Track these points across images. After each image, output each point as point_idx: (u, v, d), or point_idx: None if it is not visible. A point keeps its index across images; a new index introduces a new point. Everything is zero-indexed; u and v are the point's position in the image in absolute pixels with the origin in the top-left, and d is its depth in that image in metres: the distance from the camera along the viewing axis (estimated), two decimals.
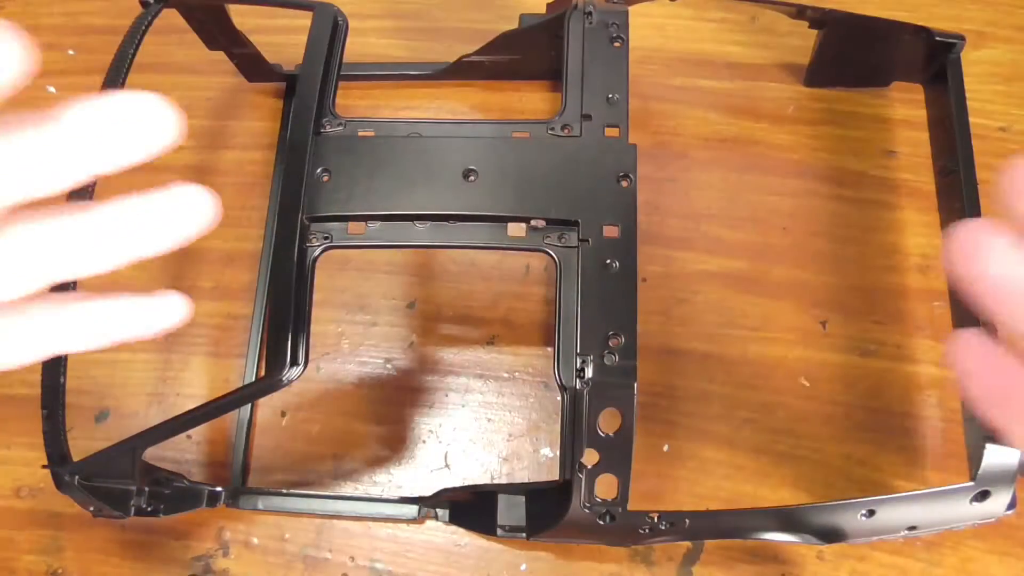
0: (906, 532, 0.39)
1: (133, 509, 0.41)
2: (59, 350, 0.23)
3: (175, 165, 0.55)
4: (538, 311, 0.50)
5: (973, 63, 0.53)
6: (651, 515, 0.38)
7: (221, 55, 0.52)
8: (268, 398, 0.49)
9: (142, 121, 0.23)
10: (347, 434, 0.48)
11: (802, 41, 0.52)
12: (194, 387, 0.49)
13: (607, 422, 0.36)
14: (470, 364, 0.49)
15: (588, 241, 0.38)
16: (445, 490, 0.44)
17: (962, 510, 0.38)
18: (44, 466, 0.39)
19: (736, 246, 0.51)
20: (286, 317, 0.38)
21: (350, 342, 0.50)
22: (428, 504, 0.45)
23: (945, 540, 0.44)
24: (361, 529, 0.46)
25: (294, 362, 0.37)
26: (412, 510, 0.45)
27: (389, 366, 0.49)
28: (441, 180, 0.39)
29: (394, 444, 0.48)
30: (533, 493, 0.43)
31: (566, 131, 0.41)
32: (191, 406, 0.48)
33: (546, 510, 0.40)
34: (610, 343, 0.37)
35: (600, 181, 0.39)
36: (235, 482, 0.46)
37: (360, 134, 0.41)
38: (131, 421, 0.48)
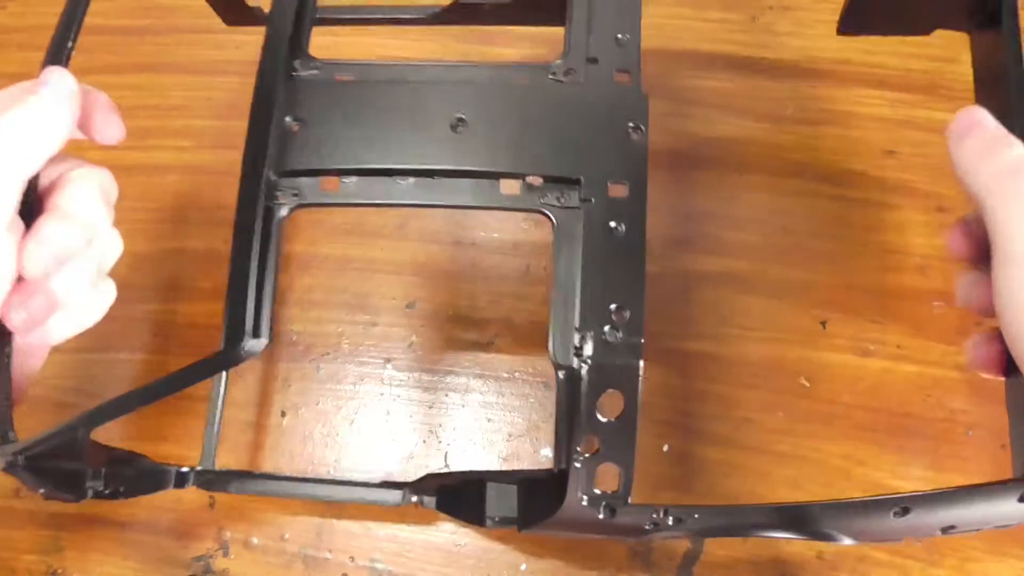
0: (940, 533, 0.35)
1: (90, 492, 0.37)
2: None
3: (175, 165, 0.55)
4: (538, 311, 0.50)
5: None
6: (657, 509, 0.34)
7: (222, 55, 0.52)
8: (268, 398, 0.49)
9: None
10: (347, 434, 0.48)
11: (802, 41, 0.52)
12: (194, 387, 0.49)
13: (608, 406, 0.33)
14: (470, 364, 0.49)
15: (591, 201, 0.34)
16: (431, 475, 0.41)
17: (1007, 508, 0.33)
18: None
19: (736, 246, 0.51)
20: (246, 283, 0.34)
21: (350, 342, 0.50)
22: (413, 490, 0.41)
23: (945, 540, 0.44)
24: (361, 529, 0.46)
25: (256, 333, 0.34)
26: (396, 495, 0.41)
27: (389, 366, 0.49)
28: (426, 130, 0.35)
29: (394, 444, 0.48)
30: (525, 483, 0.39)
31: (569, 76, 0.36)
32: (191, 406, 0.48)
33: (539, 501, 0.36)
34: (613, 317, 0.33)
35: (607, 133, 0.35)
36: (206, 463, 0.42)
37: (337, 78, 0.37)
38: (133, 422, 0.48)
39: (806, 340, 0.49)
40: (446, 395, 0.49)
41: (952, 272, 0.33)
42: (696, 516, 0.34)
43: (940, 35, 0.54)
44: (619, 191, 0.34)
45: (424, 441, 0.48)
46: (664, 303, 0.50)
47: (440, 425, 0.48)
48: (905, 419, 0.47)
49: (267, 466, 0.48)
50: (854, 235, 0.51)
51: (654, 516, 0.34)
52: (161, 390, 0.37)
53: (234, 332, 0.34)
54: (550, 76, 0.36)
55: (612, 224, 0.34)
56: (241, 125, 0.57)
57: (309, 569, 0.45)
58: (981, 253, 0.32)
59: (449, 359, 0.49)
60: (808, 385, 0.48)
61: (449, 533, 0.46)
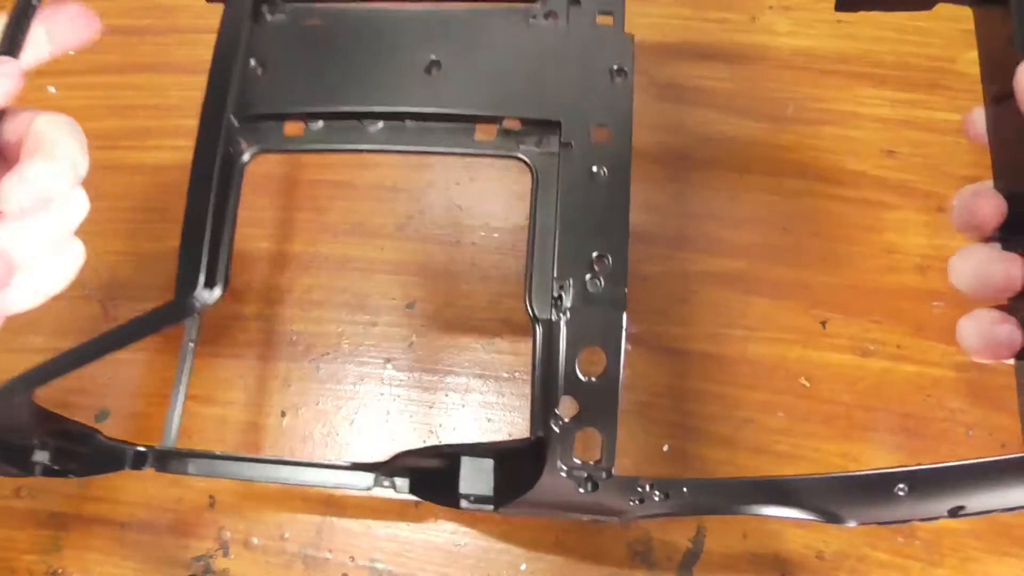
0: (948, 515, 0.32)
1: (38, 468, 0.35)
2: None
3: (175, 165, 0.55)
4: None
5: (973, 63, 0.53)
6: (642, 482, 0.31)
7: None
8: (268, 399, 0.49)
9: None
10: (347, 434, 0.48)
11: (802, 41, 0.52)
12: (194, 387, 0.49)
13: (588, 363, 0.30)
14: (470, 364, 0.49)
15: (571, 145, 0.33)
16: (404, 453, 0.38)
17: (1017, 486, 0.31)
18: None
19: (736, 246, 0.51)
20: (202, 228, 0.33)
21: (350, 342, 0.50)
22: (385, 472, 0.39)
23: (945, 540, 0.44)
24: (361, 529, 0.46)
25: (210, 283, 0.33)
26: (367, 479, 0.39)
27: (389, 366, 0.49)
28: (398, 73, 0.33)
29: (394, 444, 0.48)
30: (503, 455, 0.36)
31: (550, 18, 0.35)
32: (191, 406, 0.48)
33: (516, 476, 0.34)
34: (595, 266, 0.31)
35: (589, 76, 0.33)
36: (167, 441, 0.39)
37: (304, 20, 0.36)
38: (132, 421, 0.48)
39: (806, 340, 0.49)
40: (446, 395, 0.49)
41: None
42: (685, 490, 0.31)
43: (940, 35, 0.54)
44: (602, 135, 0.33)
45: (424, 441, 0.48)
46: (664, 303, 0.50)
47: (440, 425, 0.48)
48: (905, 419, 0.47)
49: None
50: (854, 235, 0.51)
51: (639, 489, 0.31)
52: (107, 345, 0.34)
53: (186, 281, 0.33)
54: (531, 18, 0.35)
55: (594, 169, 0.32)
56: None
57: (309, 569, 0.45)
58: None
59: (449, 359, 0.49)
60: (808, 385, 0.48)
61: (449, 533, 0.46)
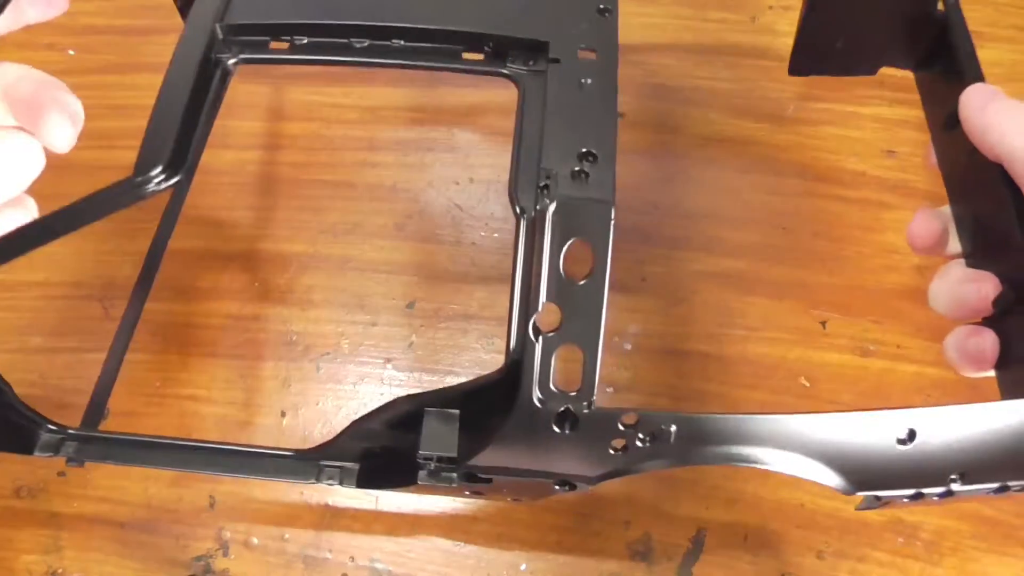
0: (957, 483, 0.28)
1: None
2: None
3: None
4: None
5: None
6: (625, 417, 0.28)
7: None
8: (268, 399, 0.49)
9: None
10: None
11: None
12: (194, 387, 0.49)
13: (575, 261, 0.28)
14: (470, 364, 0.49)
15: (559, 61, 0.32)
16: (351, 426, 0.33)
17: None
18: None
19: (736, 246, 0.51)
20: (174, 114, 0.31)
21: (350, 342, 0.50)
22: (332, 456, 0.35)
23: (945, 540, 0.44)
24: (361, 529, 0.46)
25: (171, 165, 0.31)
26: (308, 472, 0.35)
27: (389, 366, 0.49)
28: None
29: None
30: (471, 398, 0.31)
31: None
32: (192, 406, 0.48)
33: (485, 423, 0.30)
34: (583, 160, 0.30)
35: (576, 8, 0.34)
36: (86, 421, 0.36)
37: None
38: (131, 421, 0.48)
39: (806, 340, 0.49)
40: None
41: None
42: (673, 428, 0.28)
43: None
44: (589, 56, 0.32)
45: None
46: (664, 303, 0.50)
47: None
48: None
49: None
50: (854, 235, 0.51)
51: (621, 428, 0.28)
52: (58, 226, 0.33)
53: (147, 160, 0.31)
54: None
55: (582, 80, 0.32)
56: (241, 125, 0.57)
57: (309, 569, 0.45)
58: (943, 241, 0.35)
59: (449, 359, 0.49)
60: (808, 385, 0.48)
61: (449, 533, 0.46)
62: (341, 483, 0.34)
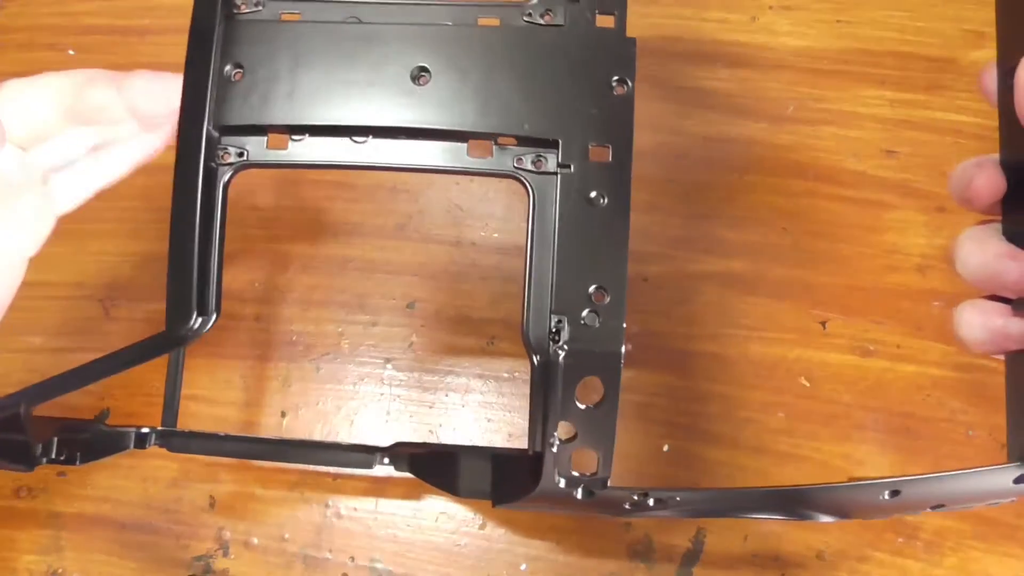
0: (930, 509, 0.33)
1: (43, 460, 0.35)
2: None
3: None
4: None
5: (973, 63, 0.53)
6: (637, 492, 0.31)
7: None
8: (268, 399, 0.49)
9: None
10: (347, 434, 0.48)
11: (802, 41, 0.52)
12: (194, 387, 0.49)
13: (586, 392, 0.31)
14: (470, 364, 0.49)
15: (570, 167, 0.31)
16: (401, 444, 0.38)
17: (1000, 488, 0.31)
18: None
19: (736, 246, 0.51)
20: (189, 254, 0.32)
21: (350, 342, 0.50)
22: (387, 455, 0.39)
23: (945, 540, 0.44)
24: (361, 529, 0.46)
25: (202, 310, 0.32)
26: (367, 459, 0.38)
27: (389, 366, 0.49)
28: (384, 82, 0.32)
29: None
30: (500, 460, 0.36)
31: (546, 18, 0.33)
32: (191, 406, 0.48)
33: (514, 478, 0.34)
34: (593, 300, 0.31)
35: (588, 86, 0.32)
36: (165, 423, 0.39)
37: (283, 17, 0.34)
38: (131, 421, 0.48)
39: (806, 340, 0.49)
40: (446, 395, 0.49)
41: (952, 273, 0.33)
42: (678, 499, 0.32)
43: (940, 35, 0.54)
44: (601, 155, 0.32)
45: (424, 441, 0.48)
46: (664, 303, 0.50)
47: (440, 425, 0.48)
48: (905, 419, 0.47)
49: (267, 467, 0.48)
50: (854, 235, 0.51)
51: (635, 498, 0.31)
52: (104, 370, 0.34)
53: (178, 312, 0.32)
54: (524, 18, 0.33)
55: (593, 195, 0.31)
56: None
57: (309, 569, 0.45)
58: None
59: (449, 359, 0.49)
60: (808, 385, 0.48)
61: (449, 533, 0.46)
62: (395, 467, 0.38)
